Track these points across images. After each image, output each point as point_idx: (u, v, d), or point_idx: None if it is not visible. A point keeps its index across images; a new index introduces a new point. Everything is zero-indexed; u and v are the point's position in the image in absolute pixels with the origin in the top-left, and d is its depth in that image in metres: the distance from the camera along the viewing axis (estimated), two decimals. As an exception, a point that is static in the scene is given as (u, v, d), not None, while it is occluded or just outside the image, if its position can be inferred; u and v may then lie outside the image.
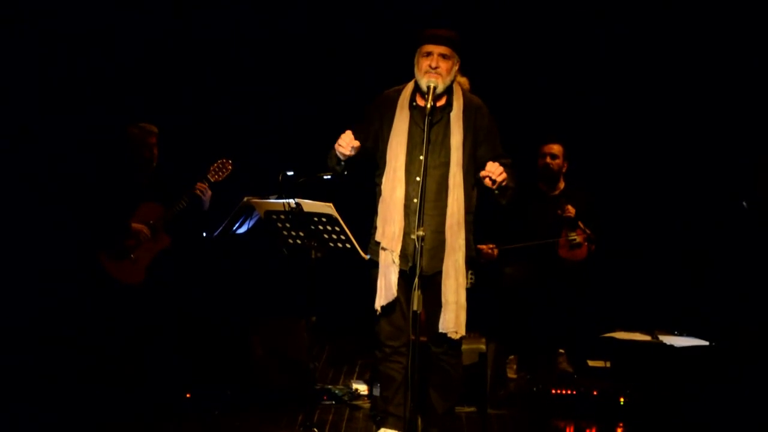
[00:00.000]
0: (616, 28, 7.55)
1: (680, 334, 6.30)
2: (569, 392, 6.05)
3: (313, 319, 5.29)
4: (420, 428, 5.13)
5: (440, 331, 4.94)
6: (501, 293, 6.69)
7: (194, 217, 6.42)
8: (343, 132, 4.92)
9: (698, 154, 7.46)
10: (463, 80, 5.69)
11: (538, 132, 7.12)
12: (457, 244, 4.94)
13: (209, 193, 6.40)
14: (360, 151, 4.98)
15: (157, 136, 6.44)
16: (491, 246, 6.76)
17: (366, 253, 5.12)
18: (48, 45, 7.27)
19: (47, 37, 7.25)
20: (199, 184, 6.37)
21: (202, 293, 6.57)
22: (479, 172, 5.00)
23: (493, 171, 4.82)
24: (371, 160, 5.10)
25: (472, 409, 5.90)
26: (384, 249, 4.95)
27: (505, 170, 4.86)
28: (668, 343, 6.07)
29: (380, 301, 4.96)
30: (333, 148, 4.95)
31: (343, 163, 4.96)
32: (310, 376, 5.44)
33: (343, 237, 5.15)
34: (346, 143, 4.88)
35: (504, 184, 4.86)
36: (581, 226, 6.79)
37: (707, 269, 6.60)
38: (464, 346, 5.27)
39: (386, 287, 4.94)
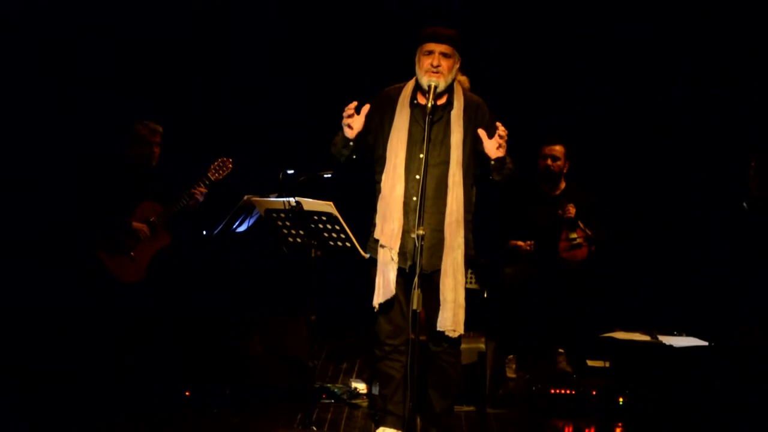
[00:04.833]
0: (617, 29, 7.55)
1: (680, 334, 6.29)
2: (568, 392, 6.04)
3: (313, 317, 5.28)
4: (419, 427, 5.13)
5: (438, 329, 4.95)
6: (501, 293, 6.69)
7: (189, 217, 6.45)
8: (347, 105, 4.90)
9: (699, 154, 7.46)
10: (464, 79, 5.71)
11: (539, 132, 7.11)
12: (455, 243, 4.94)
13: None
14: (361, 140, 4.98)
15: (161, 136, 6.47)
16: (530, 243, 6.77)
17: (366, 252, 5.12)
18: (46, 43, 7.27)
19: (45, 36, 7.25)
20: (201, 189, 6.39)
21: (202, 291, 6.57)
22: (480, 168, 5.01)
23: (500, 128, 4.80)
24: (369, 154, 5.10)
25: (471, 408, 5.89)
26: (383, 246, 4.95)
27: (506, 156, 4.88)
28: (667, 343, 6.07)
29: (378, 298, 4.97)
30: (338, 133, 4.96)
31: (351, 143, 4.94)
32: (309, 374, 5.43)
33: (343, 236, 5.15)
34: (351, 112, 4.86)
35: (503, 153, 4.85)
36: (581, 226, 6.78)
37: (707, 269, 6.59)
38: (463, 346, 5.27)
39: (384, 285, 4.94)
